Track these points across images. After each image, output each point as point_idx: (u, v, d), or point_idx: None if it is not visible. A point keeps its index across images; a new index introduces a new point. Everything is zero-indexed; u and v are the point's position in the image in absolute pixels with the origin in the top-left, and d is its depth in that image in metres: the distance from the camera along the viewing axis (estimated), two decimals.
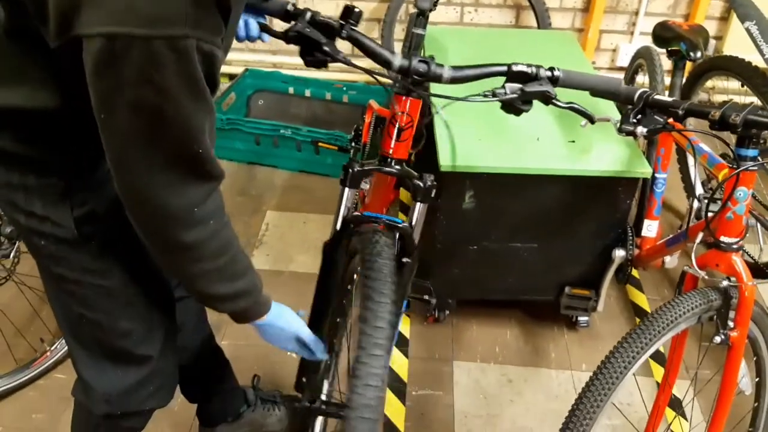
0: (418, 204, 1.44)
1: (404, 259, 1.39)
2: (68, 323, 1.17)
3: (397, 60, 1.25)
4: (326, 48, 1.23)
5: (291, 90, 3.11)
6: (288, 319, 1.23)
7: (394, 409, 1.87)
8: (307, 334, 1.26)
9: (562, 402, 1.92)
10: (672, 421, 1.83)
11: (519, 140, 1.85)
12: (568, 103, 1.27)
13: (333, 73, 3.24)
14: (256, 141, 2.79)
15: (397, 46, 3.22)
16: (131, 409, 1.25)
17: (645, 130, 1.27)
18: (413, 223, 1.45)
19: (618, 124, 1.30)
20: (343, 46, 1.22)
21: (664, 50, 2.16)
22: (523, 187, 1.80)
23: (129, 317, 1.15)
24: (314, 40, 1.23)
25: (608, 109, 1.95)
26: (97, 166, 1.01)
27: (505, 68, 1.24)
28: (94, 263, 1.07)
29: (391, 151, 1.41)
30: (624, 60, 3.27)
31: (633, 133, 1.29)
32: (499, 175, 1.76)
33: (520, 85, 1.23)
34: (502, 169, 1.75)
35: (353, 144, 2.31)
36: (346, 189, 1.46)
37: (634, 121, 1.29)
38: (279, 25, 1.25)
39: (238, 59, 3.32)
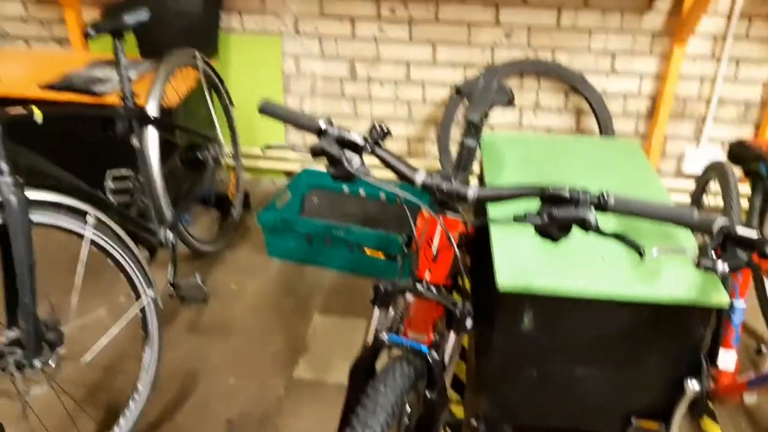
0: (452, 334, 1.35)
1: (427, 393, 1.29)
2: None
3: (420, 177, 1.27)
4: (345, 164, 1.24)
5: (346, 189, 3.10)
6: None
7: None
8: None
9: None
10: None
11: (583, 259, 1.74)
12: (614, 232, 1.16)
13: (389, 173, 3.22)
14: (308, 240, 2.75)
15: (454, 149, 3.19)
16: None
17: (727, 268, 1.15)
18: (445, 354, 1.35)
19: (696, 259, 1.19)
20: None
21: (739, 168, 2.05)
22: (587, 311, 1.67)
23: None
24: (335, 157, 1.23)
25: (684, 231, 1.83)
26: None
27: (538, 190, 1.16)
28: None
29: (426, 275, 1.33)
30: (691, 167, 3.16)
31: (713, 269, 1.17)
32: (562, 299, 1.64)
33: (546, 209, 1.14)
34: (564, 291, 1.64)
35: (405, 249, 2.24)
36: (376, 309, 1.40)
37: (714, 256, 1.18)
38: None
39: (296, 158, 3.35)
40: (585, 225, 1.13)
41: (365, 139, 1.26)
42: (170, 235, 2.32)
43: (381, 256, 2.62)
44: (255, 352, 2.33)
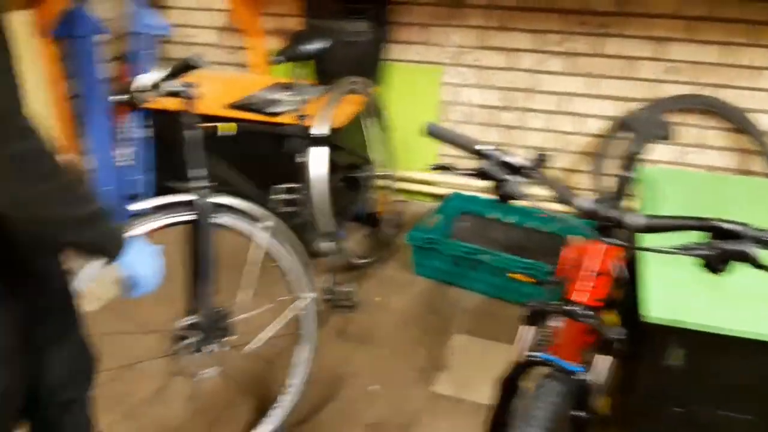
0: (602, 358, 1.37)
1: (574, 412, 1.31)
2: None
3: (583, 202, 1.26)
4: (505, 186, 1.28)
5: (493, 215, 3.16)
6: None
7: None
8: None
9: None
10: None
11: (738, 295, 1.69)
12: None
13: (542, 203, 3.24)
14: (455, 262, 2.84)
15: (606, 181, 3.16)
16: None
17: None
18: (596, 376, 1.37)
19: None
20: None
21: None
22: (740, 351, 1.62)
23: None
24: (498, 178, 1.28)
25: None
26: None
27: (703, 223, 1.17)
28: None
29: (574, 296, 1.37)
30: None
31: None
32: (713, 335, 1.60)
33: (714, 242, 1.14)
34: (717, 329, 1.60)
35: (551, 277, 2.26)
36: (524, 327, 1.44)
37: None
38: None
39: (446, 183, 3.46)
40: (745, 259, 1.13)
41: (528, 161, 1.32)
42: (328, 246, 2.50)
43: (531, 280, 2.65)
44: (397, 363, 2.44)
